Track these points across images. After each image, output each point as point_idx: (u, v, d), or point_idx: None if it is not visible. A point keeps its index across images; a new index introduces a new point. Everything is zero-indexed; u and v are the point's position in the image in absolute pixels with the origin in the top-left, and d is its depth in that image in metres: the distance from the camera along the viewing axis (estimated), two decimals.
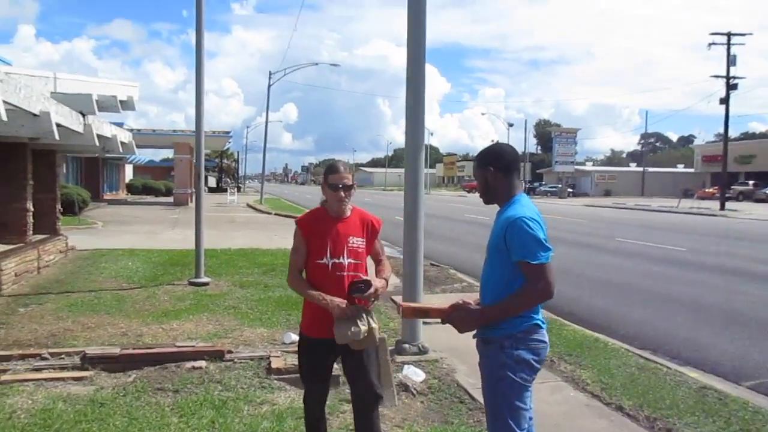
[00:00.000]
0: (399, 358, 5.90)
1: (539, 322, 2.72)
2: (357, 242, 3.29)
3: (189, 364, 5.21)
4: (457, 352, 6.17)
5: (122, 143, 11.45)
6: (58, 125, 7.31)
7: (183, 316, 7.33)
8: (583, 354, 6.12)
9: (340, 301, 3.11)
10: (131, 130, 36.38)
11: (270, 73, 40.68)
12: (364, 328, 3.11)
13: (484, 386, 2.82)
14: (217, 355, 5.41)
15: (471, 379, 5.50)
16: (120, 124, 36.49)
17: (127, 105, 11.45)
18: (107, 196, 40.56)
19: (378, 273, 3.39)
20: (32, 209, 10.15)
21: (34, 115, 6.51)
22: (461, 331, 2.74)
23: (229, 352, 5.52)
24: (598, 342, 6.65)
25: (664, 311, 8.59)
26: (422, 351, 6.09)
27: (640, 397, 4.94)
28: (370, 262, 3.46)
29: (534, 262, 2.57)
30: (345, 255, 3.24)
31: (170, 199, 37.19)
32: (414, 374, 5.49)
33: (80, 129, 8.42)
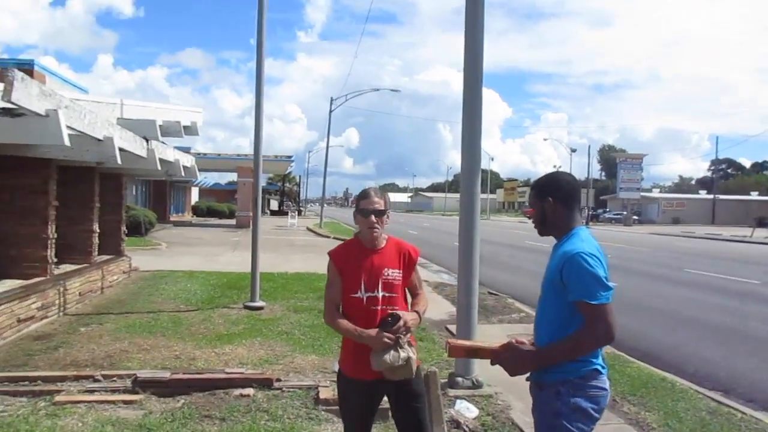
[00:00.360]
0: (451, 392, 5.69)
1: (599, 367, 2.51)
2: (393, 274, 3.09)
3: (237, 392, 5.16)
4: (514, 387, 5.90)
5: (185, 167, 11.73)
6: (122, 150, 7.52)
7: (236, 341, 7.34)
8: (648, 394, 5.76)
9: (376, 332, 2.96)
10: (197, 155, 37.74)
11: (332, 99, 41.33)
12: (404, 354, 2.94)
13: None
14: (265, 383, 5.34)
15: (527, 417, 5.22)
16: (187, 149, 37.85)
17: (190, 130, 11.75)
18: (173, 217, 41.81)
19: (413, 306, 3.21)
20: (98, 231, 10.46)
21: (98, 140, 6.72)
22: (512, 374, 2.56)
23: (278, 380, 5.45)
24: (665, 381, 6.25)
25: (738, 349, 8.06)
26: (476, 385, 5.86)
27: None
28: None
29: (593, 303, 2.37)
30: (380, 288, 3.05)
31: (233, 222, 38.04)
32: (466, 410, 5.28)
33: (143, 153, 8.66)
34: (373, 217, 3.04)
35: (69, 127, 5.54)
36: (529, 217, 3.21)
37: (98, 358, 6.41)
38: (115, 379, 5.38)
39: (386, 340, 2.91)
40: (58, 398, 4.94)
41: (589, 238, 2.56)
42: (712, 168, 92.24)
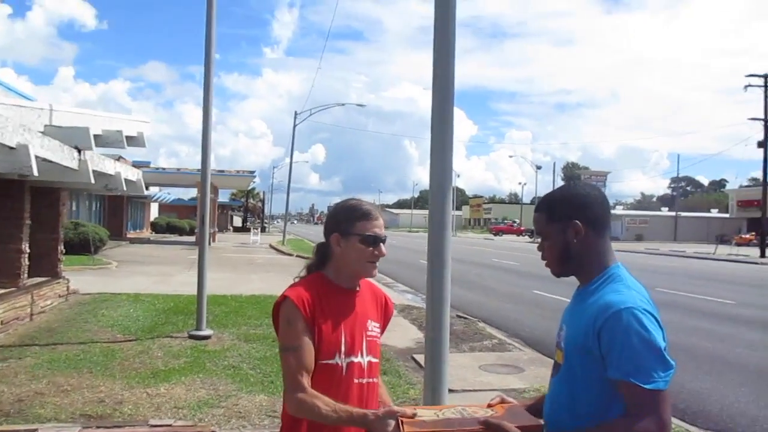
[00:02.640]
0: None
1: None
2: (375, 330, 2.18)
3: None
4: None
5: (128, 181, 10.77)
6: (44, 160, 6.61)
7: (174, 378, 6.43)
8: None
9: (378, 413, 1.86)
10: (156, 169, 36.55)
11: (296, 113, 40.52)
12: None
13: None
14: None
15: None
16: (146, 163, 36.52)
17: (136, 141, 10.81)
18: (130, 234, 40.33)
19: (382, 397, 2.27)
20: (28, 251, 9.44)
21: (11, 147, 5.81)
22: None
23: None
24: None
25: (726, 379, 7.45)
26: None
27: None
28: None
29: (646, 387, 1.59)
30: (364, 350, 2.11)
31: (192, 238, 36.78)
32: None
33: (74, 165, 7.72)
34: (383, 247, 2.14)
35: None
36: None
37: (5, 403, 5.44)
38: None
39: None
40: None
41: (636, 284, 1.77)
42: (673, 185, 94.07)
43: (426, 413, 1.87)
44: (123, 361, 7.07)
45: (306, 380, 1.95)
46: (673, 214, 72.34)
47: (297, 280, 2.16)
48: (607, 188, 70.22)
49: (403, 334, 9.50)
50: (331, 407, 1.90)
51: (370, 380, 2.12)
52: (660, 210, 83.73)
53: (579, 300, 1.85)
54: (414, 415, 1.80)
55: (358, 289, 2.18)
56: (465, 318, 11.03)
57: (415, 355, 8.08)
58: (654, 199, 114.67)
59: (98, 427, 4.55)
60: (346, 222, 2.12)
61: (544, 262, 1.92)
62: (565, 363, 1.80)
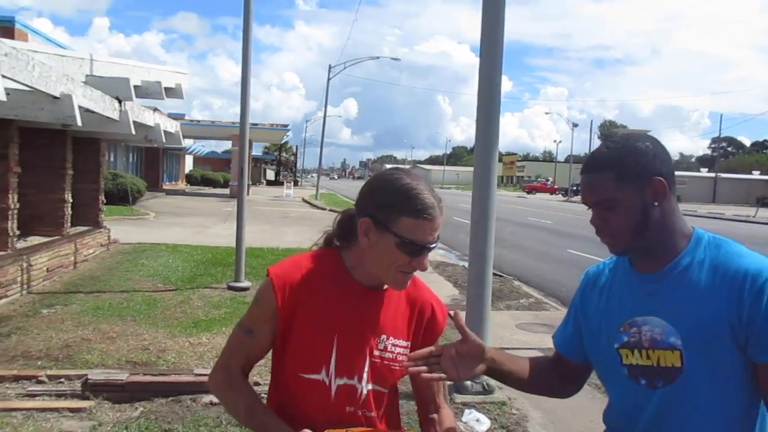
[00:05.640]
0: (459, 398, 4.93)
1: None
2: (394, 349, 1.59)
3: (207, 398, 4.36)
4: None
5: (167, 133, 10.80)
6: (87, 110, 6.63)
7: (215, 328, 6.54)
8: None
9: None
10: (191, 122, 36.75)
11: (330, 67, 40.13)
12: None
13: None
14: None
15: (546, 431, 4.50)
16: (181, 115, 36.68)
17: (174, 93, 10.80)
18: (166, 186, 40.94)
19: None
20: (71, 200, 9.60)
21: (55, 97, 5.82)
22: None
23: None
24: None
25: None
26: (487, 390, 5.07)
27: None
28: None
29: None
30: (366, 374, 1.57)
31: (227, 191, 37.18)
32: (476, 422, 4.51)
33: (115, 116, 7.74)
34: (426, 261, 1.50)
35: (9, 78, 4.66)
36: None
37: (54, 348, 5.60)
38: (62, 380, 4.56)
39: None
40: None
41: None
42: (713, 146, 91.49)
43: None
44: (165, 310, 7.20)
45: (238, 365, 1.62)
46: (712, 175, 70.51)
47: (313, 248, 1.67)
48: None
49: (438, 290, 9.42)
50: (246, 408, 1.56)
51: (368, 414, 1.58)
52: (699, 171, 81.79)
53: (669, 282, 1.42)
54: None
55: (384, 288, 1.60)
56: (500, 276, 10.96)
57: (451, 313, 8.07)
58: (693, 160, 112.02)
59: (145, 374, 4.64)
60: (390, 209, 1.46)
61: (604, 238, 1.45)
62: (685, 361, 1.36)
